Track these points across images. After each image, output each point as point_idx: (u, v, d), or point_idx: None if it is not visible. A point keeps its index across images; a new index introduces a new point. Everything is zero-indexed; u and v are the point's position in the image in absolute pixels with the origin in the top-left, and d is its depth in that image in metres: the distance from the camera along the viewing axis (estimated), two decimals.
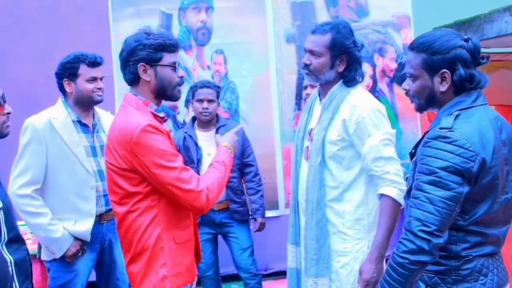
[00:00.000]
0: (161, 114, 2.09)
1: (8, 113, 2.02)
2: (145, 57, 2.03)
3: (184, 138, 3.45)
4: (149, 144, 1.91)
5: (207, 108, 3.42)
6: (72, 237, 2.63)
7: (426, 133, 1.75)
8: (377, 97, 3.12)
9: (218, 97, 3.51)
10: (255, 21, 4.45)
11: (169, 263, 2.00)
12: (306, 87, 3.64)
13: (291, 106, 4.48)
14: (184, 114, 4.32)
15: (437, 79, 1.72)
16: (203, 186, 1.98)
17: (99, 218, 2.72)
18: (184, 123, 4.20)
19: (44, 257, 2.71)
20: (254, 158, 3.56)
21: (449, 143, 1.61)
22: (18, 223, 2.06)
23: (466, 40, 1.72)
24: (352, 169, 2.33)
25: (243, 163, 3.53)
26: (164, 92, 2.09)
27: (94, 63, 2.69)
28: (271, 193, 4.31)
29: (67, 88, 2.70)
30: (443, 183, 1.60)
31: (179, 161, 1.97)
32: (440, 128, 1.65)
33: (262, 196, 3.57)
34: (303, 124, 2.50)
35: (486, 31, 4.50)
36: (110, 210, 2.63)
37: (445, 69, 1.70)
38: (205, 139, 3.47)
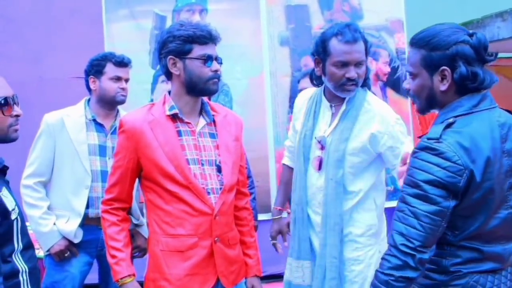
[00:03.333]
0: (172, 112, 1.98)
1: (17, 116, 1.86)
2: (173, 49, 1.93)
3: None
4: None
5: None
6: (60, 235, 2.61)
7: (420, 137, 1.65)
8: None
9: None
10: (249, 23, 4.44)
11: (150, 267, 2.00)
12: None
13: (285, 109, 4.47)
14: None
15: (437, 78, 1.57)
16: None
17: (97, 221, 2.57)
18: None
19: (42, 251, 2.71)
20: (247, 161, 3.55)
21: (436, 155, 1.48)
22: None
23: (471, 35, 1.56)
24: (368, 178, 2.30)
25: None
26: (194, 87, 1.98)
27: (121, 63, 2.71)
28: (263, 196, 4.29)
29: (92, 86, 2.72)
30: (428, 197, 1.48)
31: (115, 161, 2.03)
32: (428, 139, 1.52)
33: (254, 199, 3.55)
34: (309, 130, 2.35)
35: None
36: None
37: (445, 67, 1.54)
38: None
